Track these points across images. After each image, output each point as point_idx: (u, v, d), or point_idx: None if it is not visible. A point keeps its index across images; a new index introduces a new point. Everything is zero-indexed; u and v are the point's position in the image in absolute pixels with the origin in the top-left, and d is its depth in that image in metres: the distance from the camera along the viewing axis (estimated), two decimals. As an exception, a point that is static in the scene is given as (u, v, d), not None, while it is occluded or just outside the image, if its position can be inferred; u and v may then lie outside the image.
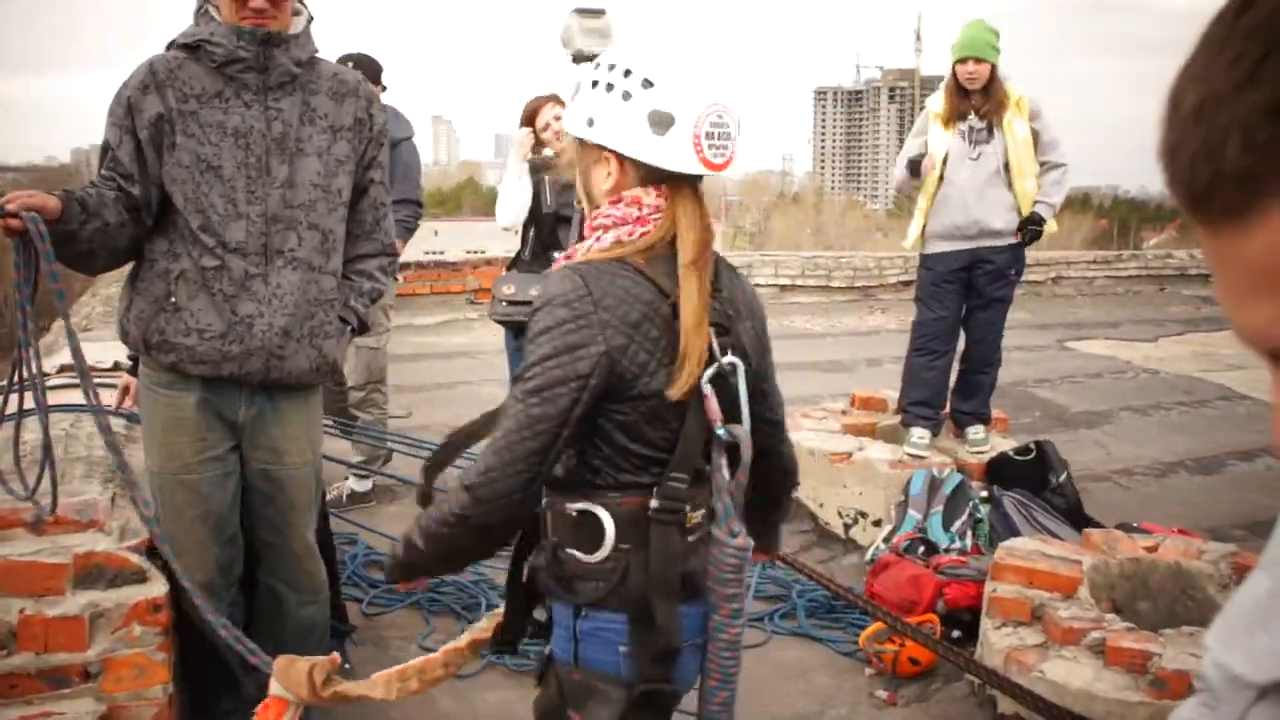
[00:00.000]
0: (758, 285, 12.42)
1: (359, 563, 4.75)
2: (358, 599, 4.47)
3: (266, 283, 2.96)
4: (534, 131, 5.13)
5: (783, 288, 12.48)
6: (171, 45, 3.01)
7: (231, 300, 2.93)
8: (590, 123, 2.04)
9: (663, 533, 2.04)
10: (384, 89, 5.60)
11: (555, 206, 5.04)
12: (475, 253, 11.37)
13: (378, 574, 4.68)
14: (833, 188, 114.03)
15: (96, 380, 4.27)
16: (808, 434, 5.68)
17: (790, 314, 11.73)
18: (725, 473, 2.08)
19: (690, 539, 2.09)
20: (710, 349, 2.05)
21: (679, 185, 2.06)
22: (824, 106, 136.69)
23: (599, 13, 2.19)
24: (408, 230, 5.70)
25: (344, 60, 5.20)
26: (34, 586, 2.91)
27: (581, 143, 2.11)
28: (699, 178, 2.09)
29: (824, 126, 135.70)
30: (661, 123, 1.99)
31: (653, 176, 2.05)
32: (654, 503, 2.03)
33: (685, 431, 2.05)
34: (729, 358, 2.08)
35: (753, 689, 4.02)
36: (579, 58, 2.20)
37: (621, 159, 2.04)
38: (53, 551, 2.95)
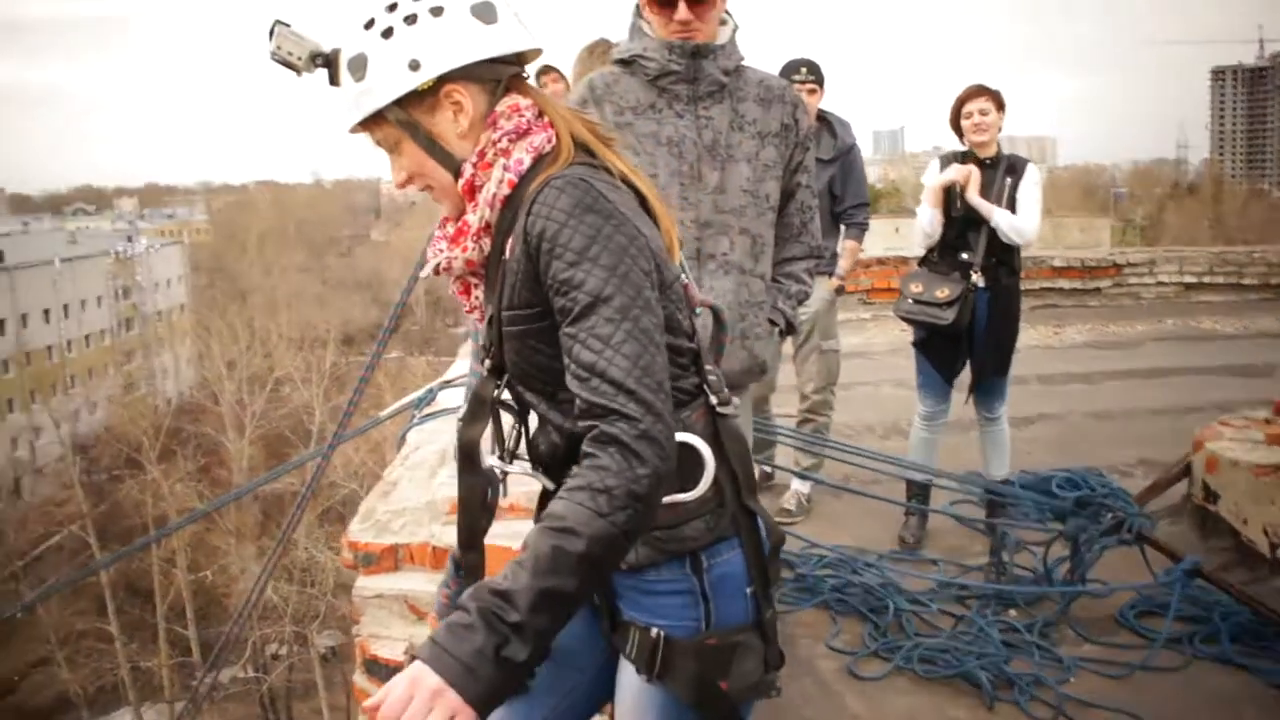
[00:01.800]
0: (1160, 284, 11.81)
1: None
2: (763, 595, 4.58)
3: (700, 286, 3.10)
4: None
5: (1188, 286, 11.76)
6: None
7: None
8: (415, 65, 1.80)
9: (730, 428, 1.92)
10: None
11: (964, 208, 4.98)
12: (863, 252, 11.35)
13: (786, 572, 4.78)
14: (1233, 175, 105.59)
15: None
16: (1228, 444, 5.32)
17: (1197, 314, 11.03)
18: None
19: None
20: None
21: (520, 84, 1.92)
22: (1222, 87, 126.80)
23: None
24: (863, 230, 5.90)
25: (794, 66, 5.35)
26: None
27: (408, 108, 1.85)
28: (524, 71, 1.95)
29: (1223, 109, 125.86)
30: (486, 11, 1.83)
31: (496, 87, 1.88)
32: (713, 399, 1.91)
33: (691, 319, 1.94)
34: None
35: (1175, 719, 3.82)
36: (316, 58, 1.99)
37: (466, 84, 1.84)
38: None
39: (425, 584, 3.18)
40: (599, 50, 5.06)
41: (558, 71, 6.15)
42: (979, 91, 5.01)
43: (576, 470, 1.68)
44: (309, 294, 57.23)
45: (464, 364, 5.57)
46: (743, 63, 3.21)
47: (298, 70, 2.01)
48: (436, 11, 1.81)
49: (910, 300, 5.07)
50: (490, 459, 1.96)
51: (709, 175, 3.11)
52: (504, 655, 1.57)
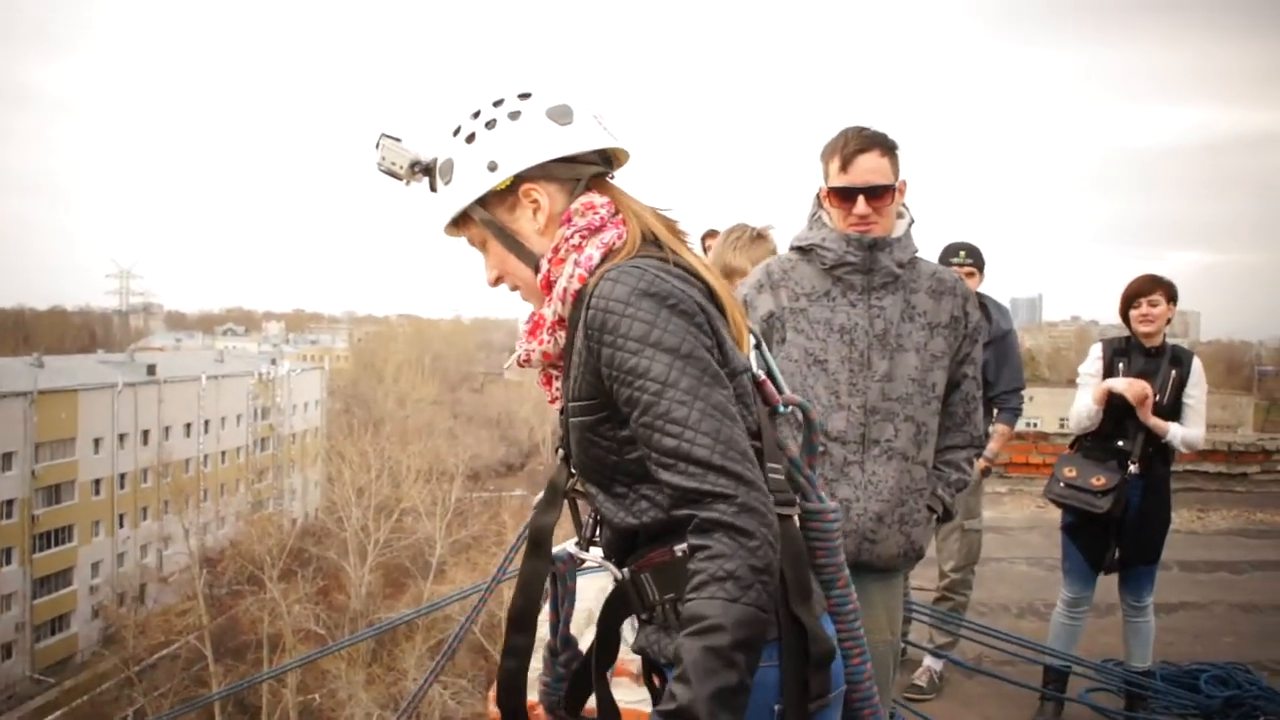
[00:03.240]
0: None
1: (897, 736, 4.81)
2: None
3: (863, 470, 3.18)
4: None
5: (1346, 479, 11.38)
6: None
7: (831, 484, 3.16)
8: (493, 166, 1.93)
9: (787, 531, 1.85)
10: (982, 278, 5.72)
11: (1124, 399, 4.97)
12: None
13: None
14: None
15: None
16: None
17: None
18: (794, 450, 1.98)
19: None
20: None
21: (601, 183, 1.99)
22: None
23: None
24: (1015, 415, 5.88)
25: (954, 249, 5.48)
26: (636, 730, 3.22)
27: (490, 208, 1.98)
28: (610, 171, 2.01)
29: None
30: (562, 114, 1.93)
31: (575, 186, 1.96)
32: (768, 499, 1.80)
33: (760, 415, 1.92)
34: (755, 332, 2.02)
35: None
36: (415, 166, 2.06)
37: (544, 183, 1.95)
38: (650, 703, 3.25)
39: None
40: (733, 235, 5.25)
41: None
42: (1152, 284, 5.00)
43: (693, 566, 1.69)
44: (440, 427, 58.27)
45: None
46: (917, 254, 3.33)
47: (402, 179, 2.13)
48: (514, 116, 1.94)
49: (1063, 484, 5.04)
50: (570, 546, 2.02)
51: (878, 363, 3.20)
52: None
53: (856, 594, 3.27)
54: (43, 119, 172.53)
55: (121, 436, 49.13)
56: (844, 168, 3.19)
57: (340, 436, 49.87)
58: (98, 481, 47.58)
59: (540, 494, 2.09)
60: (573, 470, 2.00)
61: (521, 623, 2.02)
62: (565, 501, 2.05)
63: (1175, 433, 4.91)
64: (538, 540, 2.02)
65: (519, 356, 2.02)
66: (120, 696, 36.75)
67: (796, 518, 1.95)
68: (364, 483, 40.91)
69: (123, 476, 49.04)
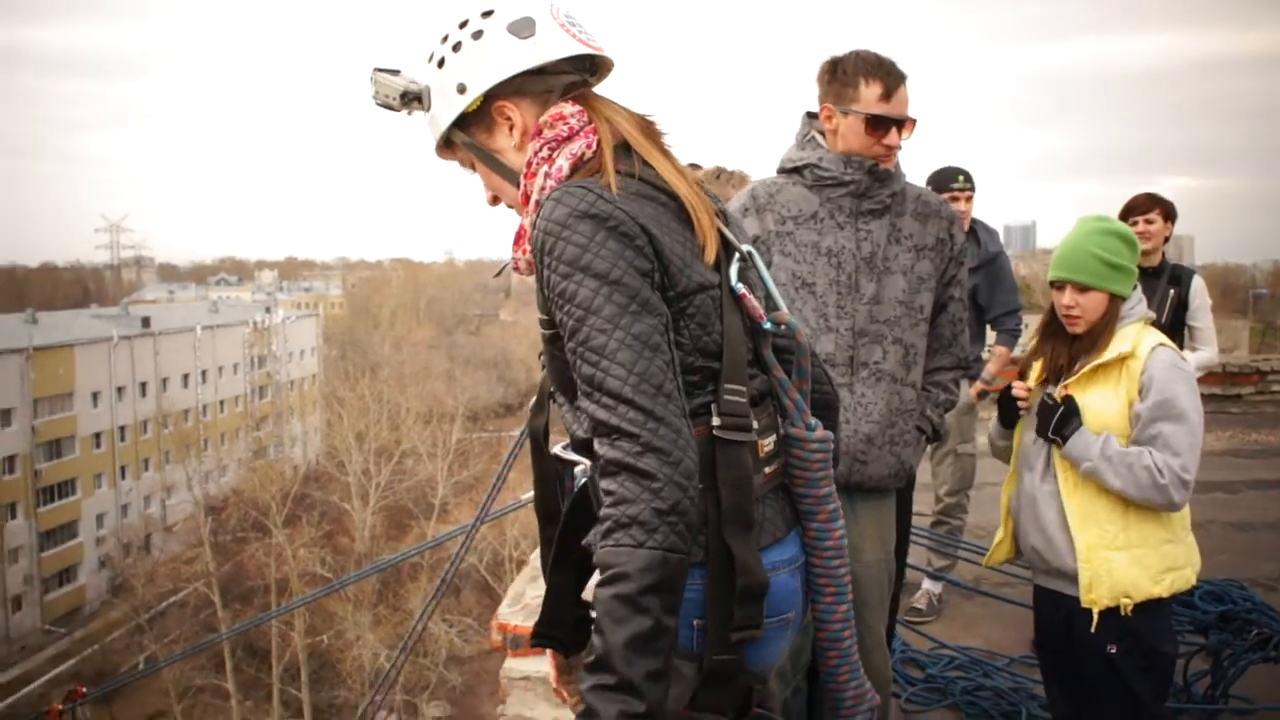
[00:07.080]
0: (1305, 392, 11.46)
1: (896, 659, 4.84)
2: (895, 694, 4.56)
3: (852, 392, 3.19)
4: None
5: (1336, 395, 11.41)
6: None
7: None
8: (462, 89, 1.92)
9: (732, 456, 1.80)
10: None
11: None
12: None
13: (915, 671, 4.76)
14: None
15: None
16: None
17: (1348, 426, 10.68)
18: (781, 371, 1.94)
19: (767, 470, 1.89)
20: (723, 235, 1.91)
21: (578, 93, 1.96)
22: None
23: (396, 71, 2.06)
24: (1014, 337, 5.82)
25: (952, 174, 5.44)
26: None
27: (469, 129, 1.98)
28: (588, 80, 1.99)
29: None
30: (524, 27, 1.90)
31: (549, 98, 1.94)
32: (715, 420, 1.80)
33: (727, 334, 1.85)
34: (745, 246, 1.95)
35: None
36: (405, 95, 2.05)
37: (516, 99, 1.93)
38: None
39: (570, 670, 3.25)
40: (723, 178, 5.19)
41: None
42: (1149, 202, 4.97)
43: (601, 513, 1.68)
44: (437, 370, 58.26)
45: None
46: (904, 179, 3.32)
47: (398, 110, 2.12)
48: (476, 35, 1.92)
49: None
50: (558, 449, 2.08)
51: (866, 286, 3.20)
52: (628, 714, 1.59)
53: (852, 516, 3.23)
54: (32, 78, 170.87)
55: (119, 389, 49.11)
56: (886, 96, 3.15)
57: (338, 382, 49.93)
58: (98, 435, 47.63)
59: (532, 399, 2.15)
60: None
61: (546, 514, 2.11)
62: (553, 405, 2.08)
63: (1190, 361, 4.90)
64: (536, 441, 2.09)
65: (508, 264, 2.04)
66: (131, 644, 37.07)
67: (766, 444, 1.92)
68: (363, 427, 41.03)
69: (123, 429, 49.09)
